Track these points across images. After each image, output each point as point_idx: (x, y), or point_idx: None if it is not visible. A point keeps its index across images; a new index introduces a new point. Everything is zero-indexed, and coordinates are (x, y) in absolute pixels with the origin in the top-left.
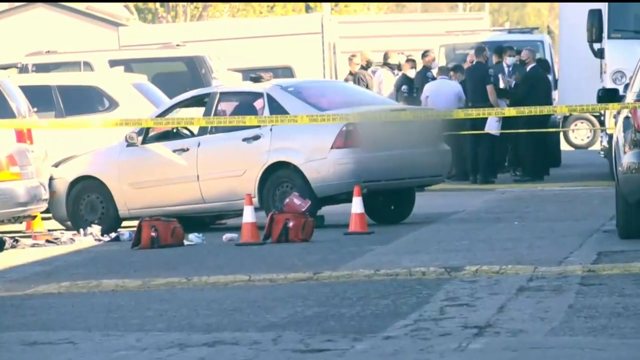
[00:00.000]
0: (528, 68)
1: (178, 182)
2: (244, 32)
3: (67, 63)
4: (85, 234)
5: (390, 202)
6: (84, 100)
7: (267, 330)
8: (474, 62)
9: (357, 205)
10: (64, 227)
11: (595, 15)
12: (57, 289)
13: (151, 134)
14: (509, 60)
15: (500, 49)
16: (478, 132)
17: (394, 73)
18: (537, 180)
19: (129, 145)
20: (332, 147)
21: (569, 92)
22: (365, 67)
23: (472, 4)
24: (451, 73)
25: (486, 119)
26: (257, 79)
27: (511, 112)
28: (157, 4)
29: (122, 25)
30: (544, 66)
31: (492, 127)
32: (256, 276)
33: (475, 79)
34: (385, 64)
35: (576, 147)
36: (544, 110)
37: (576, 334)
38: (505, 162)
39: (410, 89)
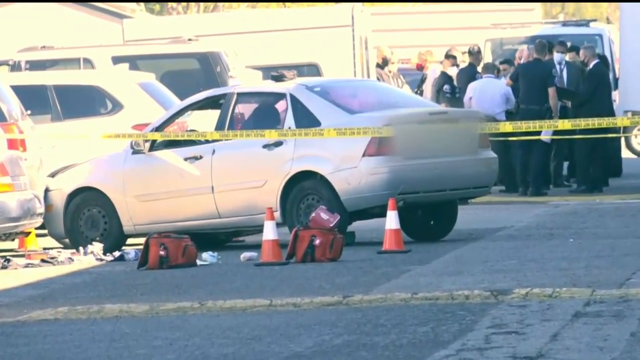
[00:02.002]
0: (591, 65)
1: (190, 194)
2: (265, 24)
3: (64, 60)
4: (85, 253)
5: (429, 217)
6: (84, 102)
7: None
8: (533, 59)
9: (392, 220)
10: (61, 245)
11: None
12: (53, 315)
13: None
14: (557, 57)
15: (551, 44)
16: (529, 137)
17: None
18: (595, 192)
19: (135, 152)
20: (363, 155)
21: (631, 93)
22: (382, 66)
23: None
24: (501, 66)
25: None
26: (279, 78)
27: (566, 125)
28: None
29: (127, 18)
30: (603, 62)
31: (546, 133)
32: (278, 300)
33: (533, 77)
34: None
35: (639, 154)
36: (603, 122)
37: None
38: (561, 172)
39: (452, 89)
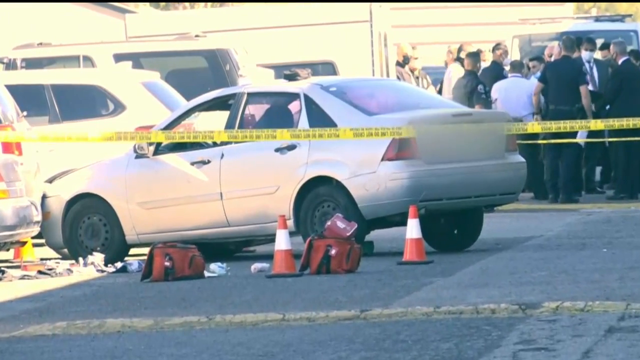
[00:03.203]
0: (619, 62)
1: (197, 201)
2: (277, 20)
3: (63, 58)
4: (85, 264)
5: (453, 226)
6: (83, 103)
7: None
8: (561, 56)
9: (413, 229)
10: (59, 256)
11: None
12: (51, 330)
13: (164, 142)
14: (585, 55)
15: (579, 40)
16: (560, 140)
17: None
18: (631, 199)
19: (138, 156)
20: (382, 159)
21: None
22: (402, 64)
23: None
24: (531, 63)
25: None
26: (292, 77)
27: (598, 125)
28: None
29: (130, 12)
30: (637, 59)
31: (582, 135)
32: (291, 315)
33: (563, 76)
34: (458, 58)
35: None
36: (638, 123)
37: None
38: (593, 177)
39: (485, 89)
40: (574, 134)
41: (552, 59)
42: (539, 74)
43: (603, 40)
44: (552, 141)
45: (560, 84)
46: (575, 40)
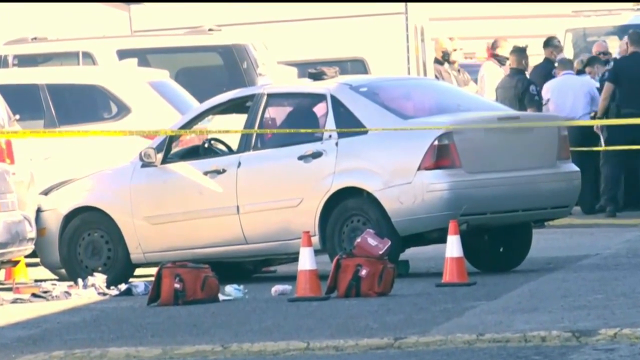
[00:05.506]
0: None
1: (211, 216)
2: (301, 12)
3: (60, 54)
4: (85, 286)
5: (498, 243)
6: (83, 105)
7: None
8: (630, 52)
9: (453, 246)
10: (56, 277)
11: None
12: None
13: (174, 150)
14: None
15: None
16: (618, 147)
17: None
18: None
19: (145, 165)
20: (419, 168)
21: None
22: (441, 61)
23: None
24: (587, 69)
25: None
26: (318, 76)
27: None
28: None
29: (136, 3)
30: None
31: None
32: (317, 343)
33: (633, 75)
34: (494, 55)
35: None
36: None
37: None
38: None
39: (537, 90)
40: None
41: (618, 56)
42: (597, 77)
43: None
44: (618, 147)
45: (632, 84)
46: None
